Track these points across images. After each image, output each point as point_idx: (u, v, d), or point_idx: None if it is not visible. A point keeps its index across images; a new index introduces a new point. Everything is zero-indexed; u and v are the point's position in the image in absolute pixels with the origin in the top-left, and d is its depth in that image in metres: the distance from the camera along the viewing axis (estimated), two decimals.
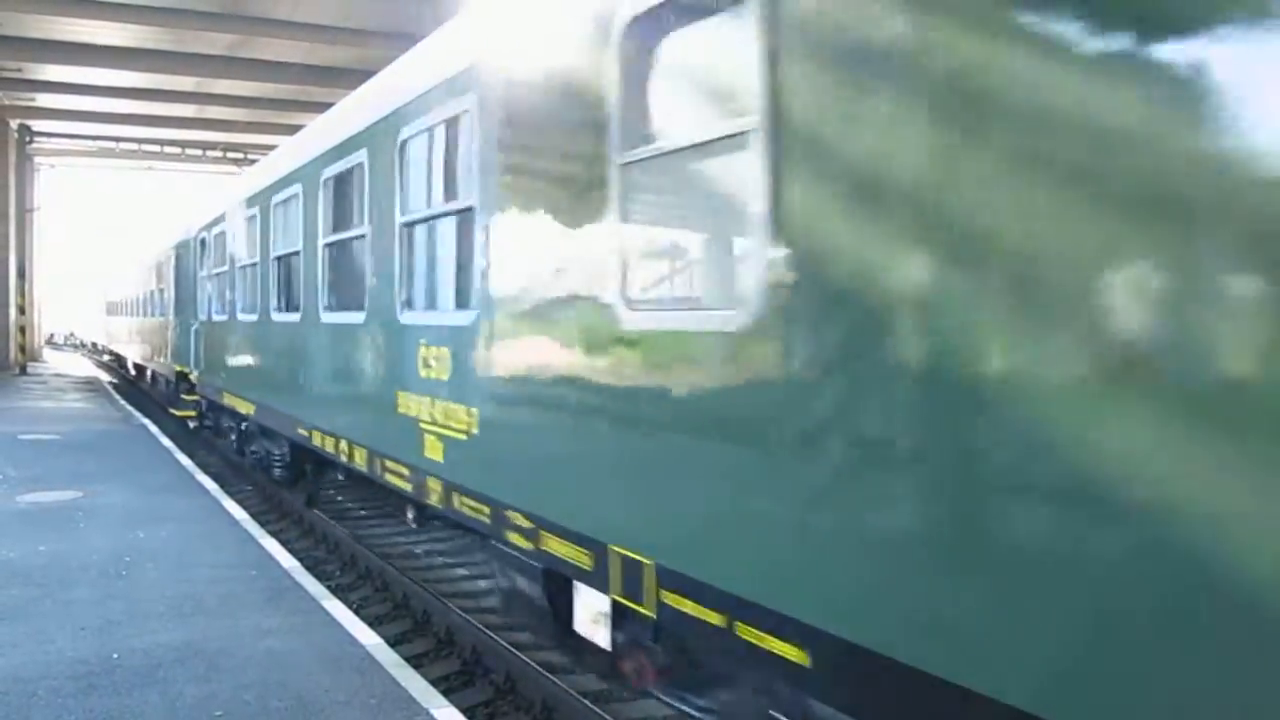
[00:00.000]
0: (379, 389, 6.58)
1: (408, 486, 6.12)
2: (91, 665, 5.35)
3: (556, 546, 4.35)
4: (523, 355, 4.63)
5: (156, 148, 35.37)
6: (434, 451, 5.56)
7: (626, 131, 3.83)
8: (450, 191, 5.81)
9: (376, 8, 20.16)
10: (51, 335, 66.60)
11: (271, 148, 21.43)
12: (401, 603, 7.87)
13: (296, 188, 8.73)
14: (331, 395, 7.92)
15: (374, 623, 6.98)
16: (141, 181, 56.87)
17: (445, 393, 5.39)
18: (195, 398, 15.75)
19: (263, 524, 9.85)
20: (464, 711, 5.17)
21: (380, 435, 6.60)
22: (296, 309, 8.73)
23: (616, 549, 3.90)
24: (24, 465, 12.41)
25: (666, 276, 4.33)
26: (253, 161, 27.41)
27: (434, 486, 5.64)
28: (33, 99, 30.01)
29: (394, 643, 6.44)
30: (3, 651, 5.53)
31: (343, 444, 7.46)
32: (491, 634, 6.67)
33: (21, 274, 32.48)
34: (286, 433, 9.47)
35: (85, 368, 39.72)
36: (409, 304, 6.13)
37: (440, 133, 5.84)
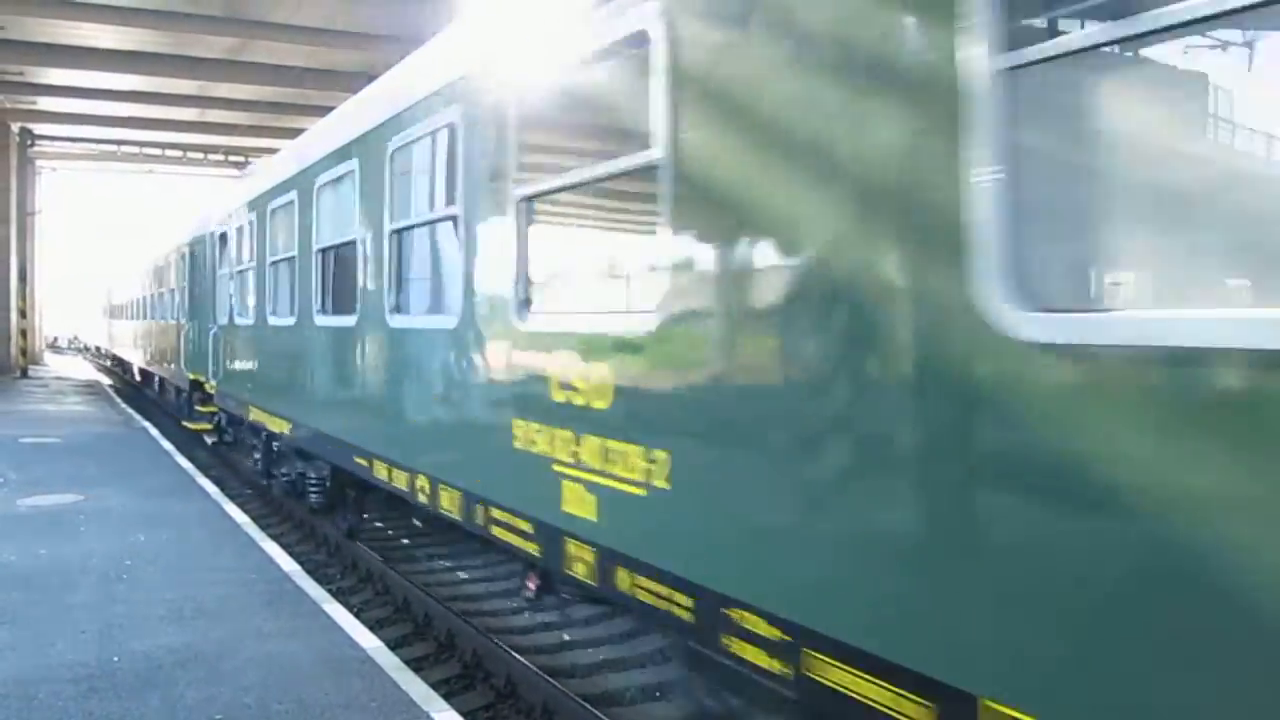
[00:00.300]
0: (483, 415, 5.15)
1: (531, 549, 4.67)
2: (92, 668, 5.35)
3: (843, 679, 2.87)
4: (771, 382, 3.14)
5: (157, 151, 35.46)
6: (581, 506, 4.13)
7: (1010, 18, 2.41)
8: (620, 144, 4.21)
9: (377, 11, 20.20)
10: (55, 339, 66.66)
11: (273, 151, 21.44)
12: (402, 606, 7.86)
13: (351, 164, 7.15)
14: (404, 419, 6.33)
15: (375, 626, 6.97)
16: (143, 185, 56.95)
17: (602, 426, 3.97)
18: (212, 410, 14.31)
19: (263, 527, 9.84)
20: (464, 715, 5.17)
21: (485, 475, 5.15)
22: (350, 311, 7.16)
23: (1002, 709, 2.41)
24: (25, 468, 12.41)
25: (1125, 260, 2.68)
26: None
27: (581, 554, 4.22)
28: (34, 102, 30.05)
29: (395, 646, 6.44)
30: (2, 655, 5.53)
31: (421, 481, 5.93)
32: (492, 637, 6.66)
33: (23, 277, 32.53)
34: (336, 460, 7.92)
35: (86, 371, 39.76)
36: (528, 305, 4.69)
37: (599, 68, 4.31)
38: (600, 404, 3.99)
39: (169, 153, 35.59)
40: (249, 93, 27.10)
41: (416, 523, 8.16)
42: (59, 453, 14.17)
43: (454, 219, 5.38)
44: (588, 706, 5.55)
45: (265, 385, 10.33)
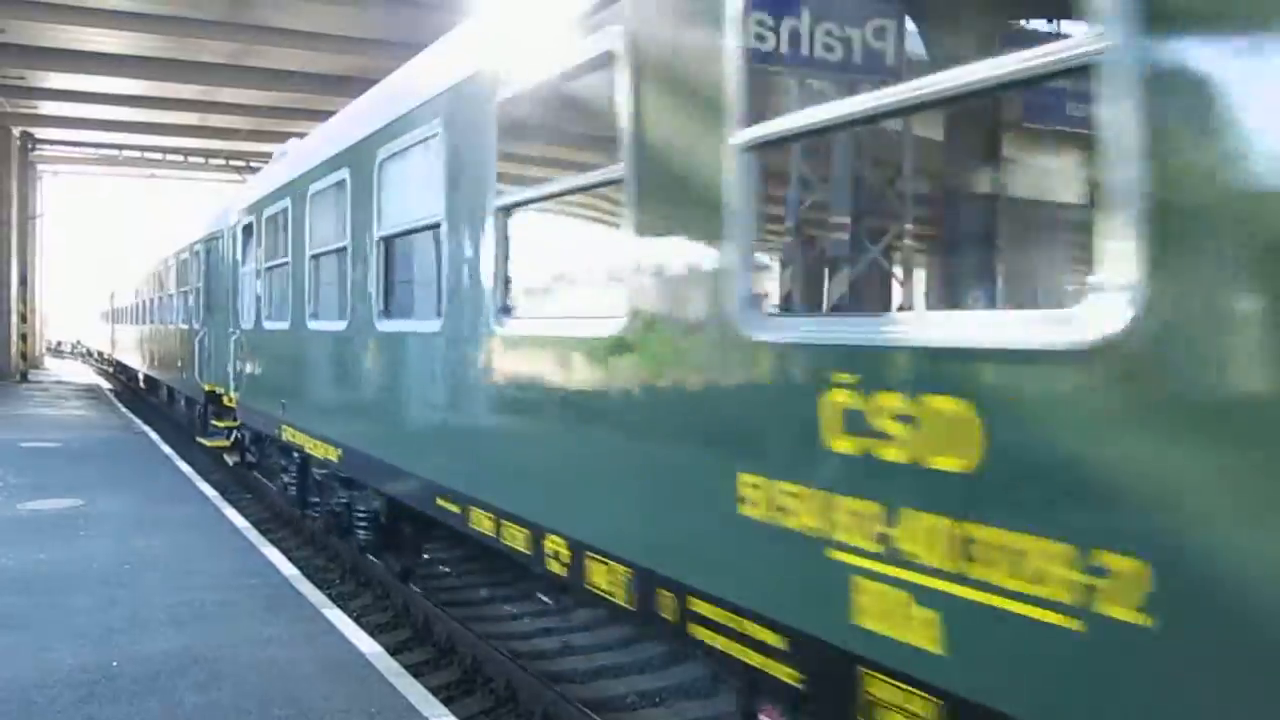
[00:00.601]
0: (674, 461, 3.63)
1: (784, 674, 3.17)
2: (91, 673, 5.33)
3: None
4: None
5: (159, 155, 35.59)
6: (900, 624, 2.65)
7: None
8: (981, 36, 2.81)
9: (378, 16, 20.25)
10: (59, 343, 66.67)
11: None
12: (402, 611, 7.85)
13: (431, 128, 5.69)
14: (524, 457, 4.81)
15: (374, 631, 6.97)
16: (145, 189, 56.99)
17: (957, 500, 2.48)
18: (230, 425, 12.87)
19: (263, 532, 9.85)
20: None
21: (679, 550, 3.63)
22: (431, 315, 5.75)
23: None
24: (25, 473, 12.40)
25: None
26: (255, 170, 27.43)
27: (900, 702, 2.76)
28: (35, 106, 30.13)
29: (394, 651, 6.43)
30: (1, 659, 5.52)
31: (554, 544, 4.42)
32: (492, 643, 6.66)
33: (24, 281, 32.57)
34: (407, 499, 6.46)
35: (87, 375, 39.77)
36: (756, 304, 3.32)
37: None
38: (949, 462, 2.50)
39: (170, 157, 35.72)
40: (251, 97, 27.17)
41: (544, 599, 6.86)
42: (59, 457, 14.16)
43: (617, 183, 3.86)
44: (588, 712, 5.55)
45: (304, 402, 8.76)
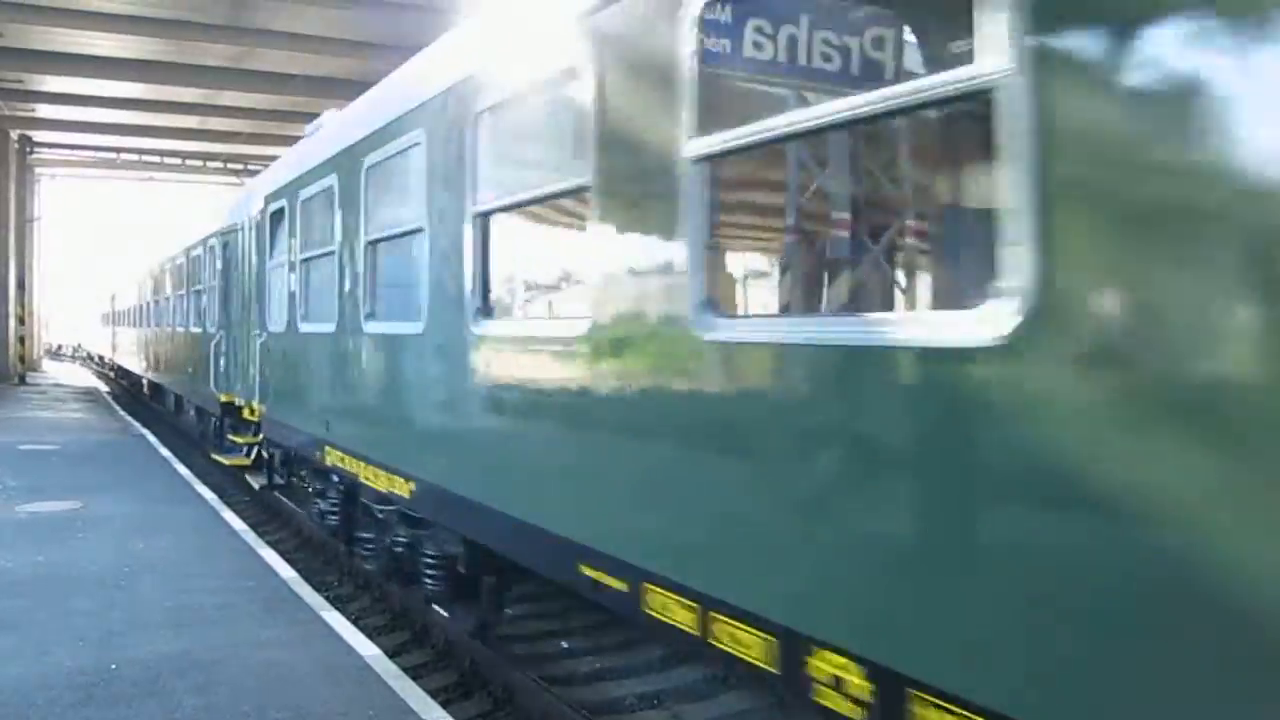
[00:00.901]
0: (1140, 568, 2.03)
1: None
2: (90, 676, 5.34)
3: None
4: None
5: (158, 159, 35.58)
6: None
7: None
8: None
9: (378, 20, 20.26)
10: (58, 347, 66.52)
11: (273, 158, 21.48)
12: (400, 614, 7.86)
13: (566, 62, 4.21)
14: (766, 528, 3.14)
15: (373, 634, 6.97)
16: (143, 192, 56.96)
17: None
18: (250, 440, 11.60)
19: (261, 535, 9.85)
20: None
21: (1162, 711, 2.04)
22: (574, 314, 4.31)
23: None
24: (23, 475, 12.38)
25: None
26: (254, 172, 27.44)
27: None
28: (33, 110, 30.15)
29: (393, 654, 6.43)
30: (1, 662, 5.52)
31: (831, 663, 2.88)
32: (490, 646, 6.66)
33: (21, 285, 32.56)
34: (532, 563, 4.82)
35: (85, 378, 39.75)
36: None
37: None
38: None
39: (168, 160, 35.73)
40: (250, 101, 27.18)
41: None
42: (57, 460, 14.15)
43: (981, 94, 2.36)
44: (586, 715, 5.55)
45: (358, 422, 7.27)
